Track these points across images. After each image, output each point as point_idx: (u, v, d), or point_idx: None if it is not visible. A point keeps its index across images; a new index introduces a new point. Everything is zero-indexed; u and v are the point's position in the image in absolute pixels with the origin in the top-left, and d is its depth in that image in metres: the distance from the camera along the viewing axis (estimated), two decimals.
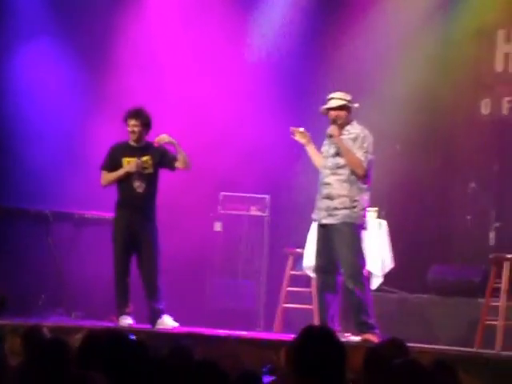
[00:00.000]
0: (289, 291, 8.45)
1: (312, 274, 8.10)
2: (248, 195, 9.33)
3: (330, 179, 7.03)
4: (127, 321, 7.61)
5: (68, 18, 9.46)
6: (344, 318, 7.30)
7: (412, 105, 8.96)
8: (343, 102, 7.02)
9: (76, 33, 9.46)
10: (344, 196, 6.96)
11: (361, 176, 6.93)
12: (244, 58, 9.66)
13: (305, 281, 8.40)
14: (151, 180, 7.75)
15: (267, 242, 9.29)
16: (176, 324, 7.62)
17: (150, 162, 7.75)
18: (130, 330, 7.15)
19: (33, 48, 9.37)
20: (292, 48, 9.54)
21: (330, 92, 7.16)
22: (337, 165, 7.03)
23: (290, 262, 8.48)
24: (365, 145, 6.96)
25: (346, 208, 6.95)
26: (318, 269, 7.15)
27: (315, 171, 8.51)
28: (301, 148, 9.06)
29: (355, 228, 6.97)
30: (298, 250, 8.32)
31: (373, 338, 6.80)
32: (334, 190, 6.99)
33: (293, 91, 9.50)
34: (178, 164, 7.78)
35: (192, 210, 9.21)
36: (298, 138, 7.24)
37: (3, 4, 9.35)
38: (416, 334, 7.26)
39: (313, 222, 8.06)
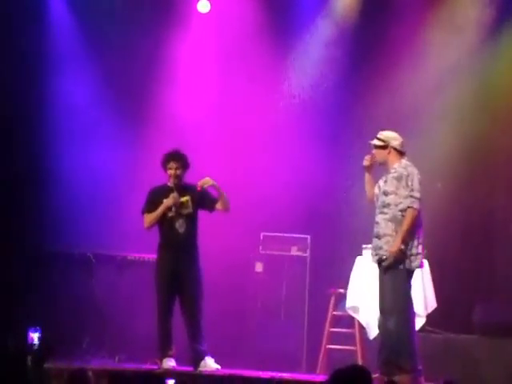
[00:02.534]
0: (331, 332, 8.40)
1: (355, 315, 8.06)
2: (289, 235, 9.32)
3: (378, 218, 7.09)
4: (170, 363, 7.59)
5: (104, 60, 9.56)
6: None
7: (453, 142, 8.93)
8: (380, 143, 7.11)
9: (114, 74, 9.56)
10: (389, 235, 6.97)
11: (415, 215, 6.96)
12: (283, 95, 9.71)
13: (347, 321, 8.34)
14: (191, 220, 7.78)
15: (308, 282, 9.24)
16: (218, 366, 7.58)
17: (190, 202, 7.78)
18: (172, 372, 7.16)
19: (70, 90, 9.47)
20: (331, 85, 9.56)
21: (379, 130, 7.22)
22: (383, 203, 7.07)
23: (332, 303, 8.44)
24: (409, 183, 6.99)
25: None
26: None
27: (356, 211, 8.53)
28: (342, 188, 9.11)
29: (399, 269, 6.95)
30: (340, 290, 8.28)
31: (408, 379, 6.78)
32: (381, 229, 7.03)
33: (334, 130, 9.51)
34: (218, 206, 7.81)
35: (233, 250, 9.22)
36: (366, 159, 7.23)
37: (40, 37, 9.47)
38: (461, 375, 7.15)
39: (355, 263, 8.05)
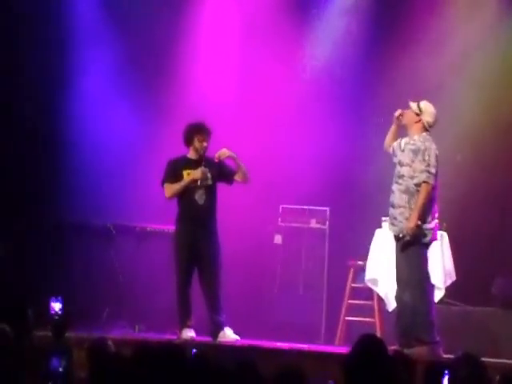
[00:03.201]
0: (350, 304, 8.42)
1: (373, 287, 8.07)
2: (308, 207, 9.32)
3: (394, 187, 7.12)
4: (189, 333, 7.63)
5: (127, 34, 9.58)
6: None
7: (476, 117, 8.87)
8: (416, 109, 7.09)
9: (136, 48, 9.59)
10: (402, 207, 6.97)
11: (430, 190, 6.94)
12: (305, 69, 9.67)
13: (366, 293, 8.36)
14: (211, 192, 7.78)
15: (327, 255, 9.26)
16: (237, 337, 7.62)
17: (209, 174, 7.79)
18: (192, 342, 7.20)
19: (94, 63, 9.52)
20: (352, 59, 9.51)
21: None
22: (398, 173, 7.09)
23: (351, 275, 8.46)
24: (426, 158, 6.97)
25: (405, 219, 6.94)
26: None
27: (375, 184, 8.50)
28: (361, 161, 9.09)
29: (414, 242, 6.94)
30: (359, 262, 8.29)
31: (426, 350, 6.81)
32: (396, 199, 7.05)
33: (351, 105, 9.47)
34: (237, 177, 7.80)
35: (252, 222, 9.24)
36: (398, 112, 7.20)
37: (64, 19, 9.51)
38: (480, 347, 7.14)
39: (374, 235, 8.05)
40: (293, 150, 9.50)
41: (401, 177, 7.05)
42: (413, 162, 7.00)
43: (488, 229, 8.94)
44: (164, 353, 4.25)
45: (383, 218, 7.89)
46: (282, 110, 9.56)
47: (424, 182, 6.94)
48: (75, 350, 5.18)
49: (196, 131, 7.74)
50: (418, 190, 6.96)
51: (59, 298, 6.27)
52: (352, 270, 8.44)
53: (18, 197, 9.08)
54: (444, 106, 8.66)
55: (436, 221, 7.06)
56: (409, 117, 7.15)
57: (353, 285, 8.44)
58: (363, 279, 8.13)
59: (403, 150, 7.12)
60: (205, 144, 7.74)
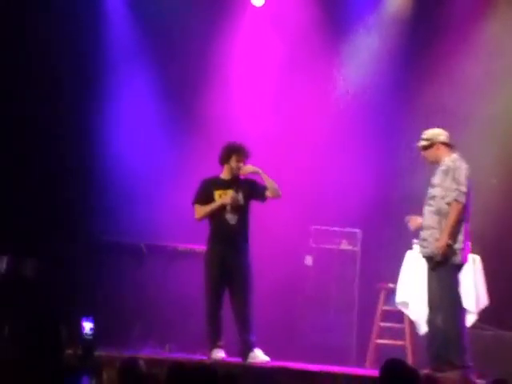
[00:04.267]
0: (381, 327, 8.37)
1: (404, 310, 8.02)
2: (339, 229, 9.30)
3: (425, 209, 7.09)
4: (220, 354, 7.61)
5: (156, 47, 9.65)
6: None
7: (510, 138, 8.83)
8: (426, 143, 7.10)
9: (170, 70, 9.64)
10: (433, 228, 6.94)
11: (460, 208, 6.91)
12: (337, 91, 9.68)
13: (397, 316, 8.31)
14: (243, 212, 7.77)
15: (358, 277, 9.22)
16: (267, 358, 7.59)
17: (241, 194, 7.80)
18: (221, 363, 7.19)
19: (128, 87, 9.60)
20: (382, 83, 9.50)
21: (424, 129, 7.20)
22: (429, 195, 7.09)
23: (382, 297, 8.42)
24: (456, 176, 6.94)
25: (436, 240, 6.90)
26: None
27: (407, 206, 8.46)
28: (393, 183, 9.07)
29: (444, 263, 6.90)
30: (390, 284, 8.25)
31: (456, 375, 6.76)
32: (426, 220, 7.02)
33: (383, 126, 9.46)
34: (268, 193, 7.76)
35: (284, 243, 9.23)
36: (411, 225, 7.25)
37: (98, 34, 9.61)
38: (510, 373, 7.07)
39: (405, 257, 8.01)
40: (325, 171, 9.48)
41: (432, 198, 7.04)
42: (443, 182, 6.98)
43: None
44: (197, 373, 4.25)
45: (414, 241, 7.85)
46: (315, 133, 9.57)
47: (455, 200, 6.91)
48: (106, 369, 5.20)
49: (235, 150, 7.75)
50: (449, 211, 6.92)
51: (90, 317, 6.30)
52: (383, 292, 8.40)
53: (54, 216, 9.16)
54: (478, 130, 8.64)
55: (467, 243, 7.01)
56: (428, 154, 7.15)
57: (384, 307, 8.39)
58: (394, 302, 8.09)
59: (435, 174, 7.10)
60: (241, 165, 7.76)
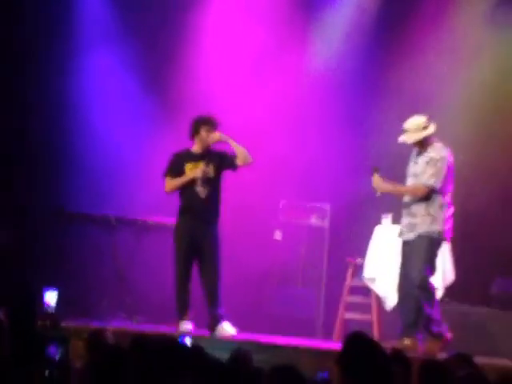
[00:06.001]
0: (348, 301, 8.44)
1: (371, 285, 8.09)
2: (308, 204, 9.34)
3: (409, 198, 7.08)
4: (187, 326, 7.64)
5: (131, 24, 9.60)
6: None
7: (475, 116, 8.90)
8: (416, 138, 7.04)
9: (139, 39, 9.59)
10: (422, 215, 7.00)
11: (422, 198, 6.98)
12: (307, 67, 9.68)
13: (364, 291, 8.38)
14: (213, 185, 7.74)
15: (327, 252, 9.28)
16: (235, 331, 7.64)
17: (212, 168, 7.78)
18: (189, 335, 7.22)
19: (97, 55, 9.55)
20: (355, 60, 9.51)
21: (402, 119, 7.18)
22: (410, 182, 7.10)
23: (350, 272, 8.48)
24: (434, 169, 6.97)
25: (425, 224, 7.00)
26: (399, 281, 7.16)
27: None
28: (362, 158, 9.11)
29: (430, 241, 6.99)
30: (359, 259, 8.31)
31: (435, 346, 6.85)
32: (414, 208, 7.07)
33: (354, 101, 9.48)
34: (238, 161, 7.73)
35: (253, 217, 9.26)
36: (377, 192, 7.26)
37: (68, 13, 9.54)
38: (478, 348, 7.17)
39: (374, 232, 8.07)
40: (295, 146, 9.51)
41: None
42: (426, 171, 7.02)
43: (488, 229, 8.95)
44: (161, 344, 4.27)
45: (383, 216, 7.91)
46: (285, 108, 9.57)
47: (423, 184, 6.97)
48: (73, 340, 5.21)
49: (203, 122, 7.71)
50: (434, 194, 6.97)
51: (54, 288, 6.29)
52: (351, 267, 8.46)
53: (18, 185, 9.12)
54: (445, 107, 8.69)
55: (450, 223, 7.08)
56: (418, 146, 7.11)
57: (351, 283, 8.45)
58: (362, 277, 8.16)
59: (416, 163, 7.13)
60: (207, 135, 7.73)
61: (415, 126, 7.05)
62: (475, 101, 8.93)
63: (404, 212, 7.15)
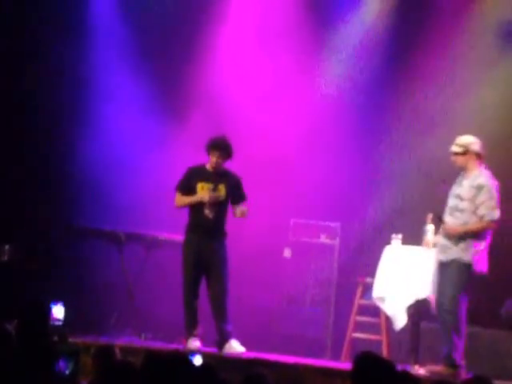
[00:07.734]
0: (357, 321, 8.40)
1: (381, 305, 8.05)
2: (318, 223, 9.32)
3: (448, 219, 7.13)
4: (195, 343, 7.63)
5: (148, 46, 9.63)
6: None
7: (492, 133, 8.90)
8: (460, 150, 7.09)
9: (156, 61, 9.62)
10: (459, 239, 7.02)
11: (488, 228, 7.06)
12: (318, 89, 9.68)
13: (373, 311, 8.34)
14: (222, 207, 7.77)
15: (336, 270, 9.25)
16: (243, 349, 7.61)
17: (224, 189, 7.78)
18: (198, 352, 7.19)
19: (114, 75, 9.58)
20: (366, 81, 9.51)
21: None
22: (456, 207, 7.12)
23: (359, 291, 8.44)
24: (494, 195, 7.00)
25: (459, 248, 7.03)
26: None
27: (387, 201, 8.50)
28: (374, 177, 9.10)
29: (463, 266, 7.02)
30: (368, 279, 8.27)
31: (449, 372, 6.90)
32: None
33: (365, 122, 9.48)
34: (237, 211, 7.74)
35: (262, 235, 9.24)
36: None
37: (85, 30, 9.59)
38: (489, 369, 7.12)
39: (384, 252, 8.04)
40: (306, 164, 9.50)
41: (460, 211, 7.08)
42: (475, 197, 7.02)
43: (501, 250, 8.90)
44: (170, 362, 4.25)
45: (393, 235, 7.88)
46: (297, 127, 9.57)
47: (491, 220, 7.01)
48: (81, 355, 5.18)
49: (210, 146, 7.75)
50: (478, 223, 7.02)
51: (61, 303, 6.27)
52: (360, 286, 8.42)
53: (29, 200, 9.13)
54: (457, 130, 8.66)
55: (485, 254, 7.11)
56: (458, 159, 7.14)
57: (360, 302, 8.42)
58: (371, 296, 8.12)
59: (461, 185, 7.13)
60: (216, 160, 7.72)
61: (463, 141, 7.11)
62: (489, 115, 8.91)
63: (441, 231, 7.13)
